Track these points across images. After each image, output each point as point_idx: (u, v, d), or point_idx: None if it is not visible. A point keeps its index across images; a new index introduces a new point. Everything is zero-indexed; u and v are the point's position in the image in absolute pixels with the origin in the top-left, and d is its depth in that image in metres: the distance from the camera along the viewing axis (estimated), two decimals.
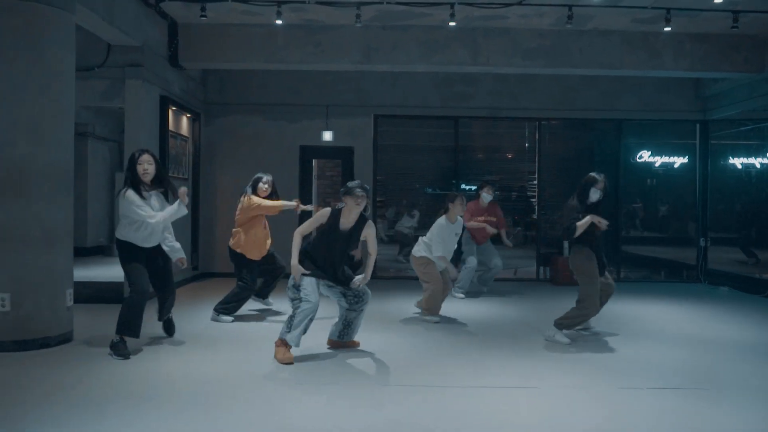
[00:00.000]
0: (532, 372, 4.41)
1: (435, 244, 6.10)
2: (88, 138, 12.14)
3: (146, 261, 4.82)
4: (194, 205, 8.94)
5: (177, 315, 5.53)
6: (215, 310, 5.96)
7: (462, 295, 7.48)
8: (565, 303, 7.33)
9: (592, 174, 5.38)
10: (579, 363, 4.68)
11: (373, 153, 9.37)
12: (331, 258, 4.67)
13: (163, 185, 4.87)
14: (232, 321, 5.95)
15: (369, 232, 4.77)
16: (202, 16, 6.84)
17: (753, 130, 8.86)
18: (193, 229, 8.79)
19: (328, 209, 4.73)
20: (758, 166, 9.06)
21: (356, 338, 5.01)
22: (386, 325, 5.89)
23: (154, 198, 4.80)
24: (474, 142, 10.14)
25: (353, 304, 4.81)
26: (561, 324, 5.34)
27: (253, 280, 5.99)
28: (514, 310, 6.89)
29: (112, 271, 7.11)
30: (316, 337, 4.98)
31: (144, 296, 4.73)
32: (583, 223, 5.17)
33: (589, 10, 7.09)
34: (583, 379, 4.24)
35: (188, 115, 8.58)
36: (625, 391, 4.01)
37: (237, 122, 9.31)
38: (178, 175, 8.20)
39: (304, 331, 4.57)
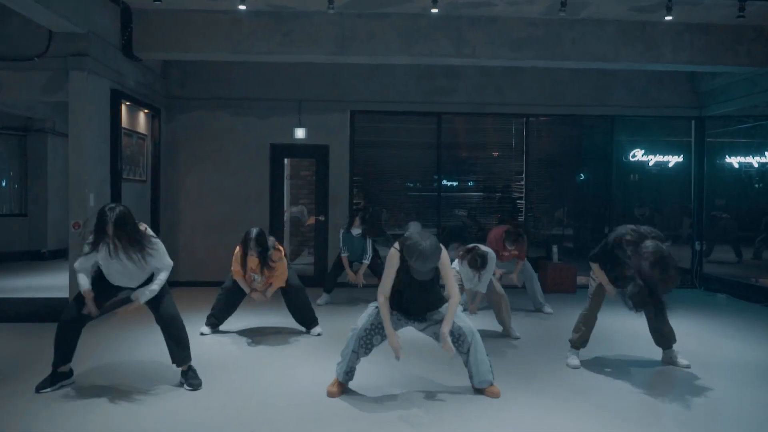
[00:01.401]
0: (535, 411, 3.80)
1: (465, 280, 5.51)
2: (47, 135, 11.37)
3: (113, 287, 4.14)
4: (154, 209, 8.20)
5: (136, 331, 4.85)
6: None
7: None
8: (555, 313, 6.84)
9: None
10: (578, 400, 4.08)
11: (349, 151, 8.71)
12: (413, 297, 3.96)
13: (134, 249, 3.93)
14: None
15: (444, 262, 3.89)
16: (156, 0, 6.09)
17: (753, 128, 8.35)
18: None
19: (395, 252, 3.89)
20: (756, 165, 8.59)
21: (496, 384, 4.06)
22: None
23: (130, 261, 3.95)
24: (457, 139, 9.52)
25: (458, 347, 4.02)
26: (571, 341, 4.84)
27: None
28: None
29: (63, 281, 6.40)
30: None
31: (66, 320, 4.02)
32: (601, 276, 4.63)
33: None
34: (584, 421, 3.64)
35: (146, 111, 7.83)
36: None
37: (202, 118, 8.58)
38: (135, 177, 7.46)
39: (350, 364, 4.01)
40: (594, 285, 4.79)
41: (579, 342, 4.81)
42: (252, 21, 7.06)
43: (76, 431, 3.39)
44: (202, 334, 5.54)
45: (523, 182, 9.05)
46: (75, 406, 3.76)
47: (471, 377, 4.07)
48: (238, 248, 5.42)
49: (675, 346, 4.83)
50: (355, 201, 8.80)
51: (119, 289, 4.19)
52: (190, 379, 4.15)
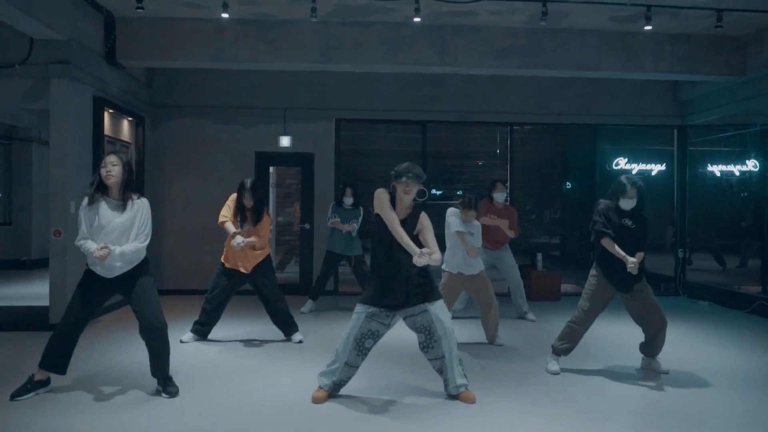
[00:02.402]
0: (512, 415, 3.81)
1: (452, 223, 5.40)
2: (32, 143, 11.32)
3: (103, 292, 4.09)
4: None
5: (122, 337, 4.80)
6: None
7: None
8: (539, 320, 6.85)
9: (622, 180, 4.68)
10: (552, 400, 4.09)
11: (335, 159, 8.72)
12: (396, 267, 3.87)
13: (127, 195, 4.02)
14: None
15: (424, 225, 3.93)
16: (138, 7, 6.09)
17: (733, 136, 8.45)
18: None
19: (384, 195, 3.96)
20: (738, 174, 8.68)
21: (471, 390, 4.05)
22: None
23: (119, 215, 3.98)
24: (443, 147, 9.58)
25: (425, 346, 4.02)
26: (554, 348, 4.83)
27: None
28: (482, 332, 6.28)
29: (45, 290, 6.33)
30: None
31: (65, 329, 4.03)
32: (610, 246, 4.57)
33: (565, 6, 6.57)
34: (560, 426, 3.65)
35: (130, 119, 7.81)
36: None
37: (187, 126, 8.57)
38: None
39: (341, 376, 4.02)
40: (592, 288, 4.69)
41: (562, 351, 4.81)
42: (236, 29, 7.08)
43: None
44: (182, 341, 5.50)
45: (507, 190, 9.07)
46: (55, 414, 3.72)
47: (446, 385, 4.08)
48: (233, 195, 5.50)
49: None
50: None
51: (109, 292, 4.15)
52: (168, 386, 4.11)
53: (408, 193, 3.91)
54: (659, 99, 9.03)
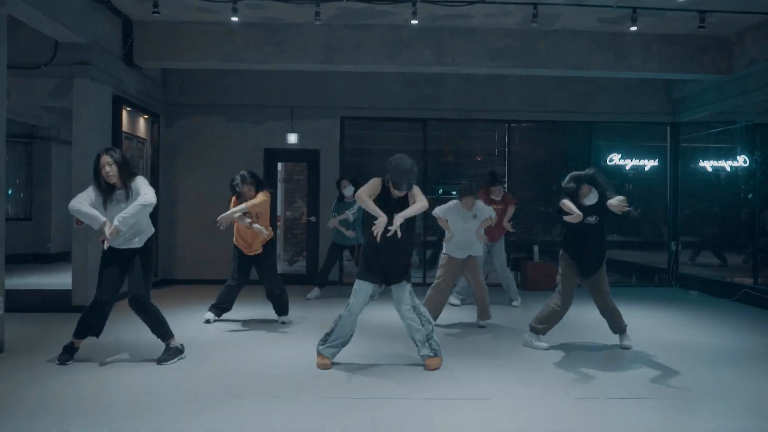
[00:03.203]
0: (487, 383, 4.20)
1: (440, 209, 5.87)
2: (52, 142, 11.81)
3: (121, 264, 4.51)
4: (153, 211, 8.59)
5: (131, 325, 5.23)
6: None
7: (458, 303, 7.26)
8: (535, 310, 7.18)
9: (573, 174, 4.98)
10: (537, 373, 4.47)
11: (339, 156, 9.14)
12: (386, 247, 4.30)
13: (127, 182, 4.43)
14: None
15: (413, 193, 4.37)
16: (154, 12, 6.55)
17: (722, 133, 8.77)
18: None
19: (378, 179, 4.39)
20: (728, 169, 8.98)
21: (435, 355, 4.50)
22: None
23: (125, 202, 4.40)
24: (443, 145, 9.96)
25: (398, 306, 4.53)
26: (536, 329, 5.18)
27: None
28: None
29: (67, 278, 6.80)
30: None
31: (99, 305, 4.49)
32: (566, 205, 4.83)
33: (555, 9, 6.94)
34: (540, 391, 4.03)
35: (146, 117, 8.28)
36: (583, 403, 3.81)
37: (199, 124, 9.03)
38: None
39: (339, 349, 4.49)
40: (561, 271, 5.08)
41: (540, 331, 5.16)
42: (245, 32, 7.52)
43: (84, 393, 3.80)
44: (207, 321, 5.95)
45: (505, 186, 9.43)
46: (81, 374, 4.17)
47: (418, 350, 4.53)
48: (233, 198, 5.95)
49: (630, 332, 5.22)
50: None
51: (124, 275, 4.56)
52: (163, 353, 4.57)
53: (400, 197, 4.34)
54: (652, 97, 9.37)
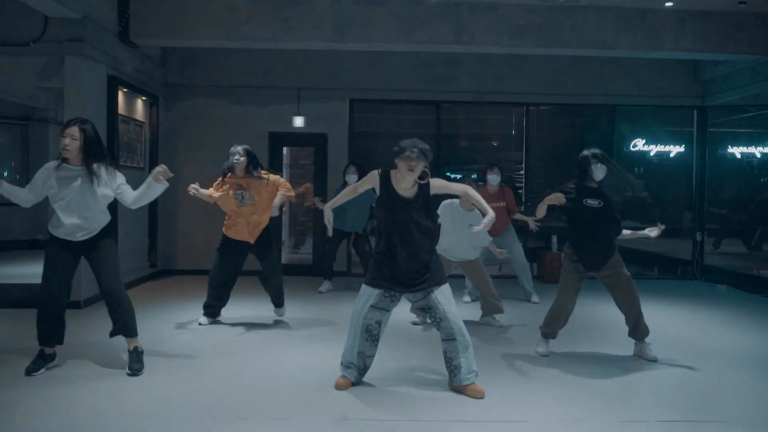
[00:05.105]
0: (518, 399, 3.78)
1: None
2: (48, 124, 11.36)
3: (73, 257, 4.06)
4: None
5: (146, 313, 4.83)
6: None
7: (468, 299, 6.85)
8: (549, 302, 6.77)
9: (585, 153, 4.59)
10: (570, 386, 4.04)
11: (348, 140, 8.68)
12: (396, 249, 3.66)
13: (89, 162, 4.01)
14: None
15: (439, 185, 3.75)
16: None
17: (755, 117, 8.27)
18: (150, 222, 8.05)
19: (375, 172, 3.78)
20: (759, 155, 8.52)
21: (478, 384, 3.74)
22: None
23: (84, 177, 3.99)
24: (457, 128, 9.47)
25: (439, 327, 3.74)
26: (542, 332, 4.78)
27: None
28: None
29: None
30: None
31: (46, 300, 3.99)
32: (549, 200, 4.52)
33: None
34: (578, 410, 3.61)
35: (144, 98, 7.81)
36: (631, 426, 3.38)
37: (201, 106, 8.56)
38: (132, 164, 7.45)
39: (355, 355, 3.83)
40: (563, 268, 4.66)
41: (547, 334, 4.75)
42: (250, 7, 7.02)
43: (72, 410, 3.39)
44: (200, 324, 5.52)
45: (523, 172, 8.99)
46: (67, 387, 3.76)
47: (453, 375, 3.79)
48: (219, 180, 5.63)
49: (649, 339, 4.73)
50: None
51: (77, 257, 4.11)
52: (132, 362, 4.08)
53: (412, 170, 3.58)
54: (679, 79, 8.85)
